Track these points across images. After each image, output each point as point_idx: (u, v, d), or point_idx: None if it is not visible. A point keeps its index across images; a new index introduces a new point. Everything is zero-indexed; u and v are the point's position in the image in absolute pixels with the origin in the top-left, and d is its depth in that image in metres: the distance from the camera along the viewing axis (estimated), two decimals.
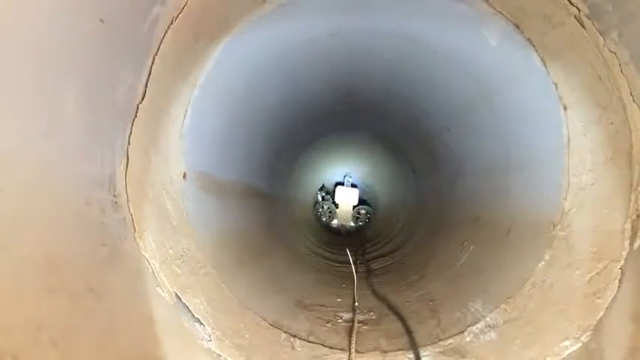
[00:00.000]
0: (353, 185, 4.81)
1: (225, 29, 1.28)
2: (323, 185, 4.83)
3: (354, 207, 4.76)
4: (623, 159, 1.07)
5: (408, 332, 1.45)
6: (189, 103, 1.30)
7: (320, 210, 4.71)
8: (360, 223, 4.77)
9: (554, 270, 1.27)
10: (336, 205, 4.71)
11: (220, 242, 1.64)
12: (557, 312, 1.21)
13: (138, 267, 1.02)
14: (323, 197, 4.76)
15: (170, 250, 1.19)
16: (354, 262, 2.72)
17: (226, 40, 1.31)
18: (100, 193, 0.89)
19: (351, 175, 4.79)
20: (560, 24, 1.12)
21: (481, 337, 1.36)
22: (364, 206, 4.83)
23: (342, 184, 4.76)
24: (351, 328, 1.50)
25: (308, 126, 2.96)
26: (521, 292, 1.35)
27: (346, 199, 4.70)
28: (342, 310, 1.73)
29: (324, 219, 4.72)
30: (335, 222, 4.73)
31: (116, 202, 0.95)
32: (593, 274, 1.14)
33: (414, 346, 1.35)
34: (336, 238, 4.42)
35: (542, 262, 1.31)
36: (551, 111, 1.25)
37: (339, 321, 1.61)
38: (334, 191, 4.73)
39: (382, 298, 1.84)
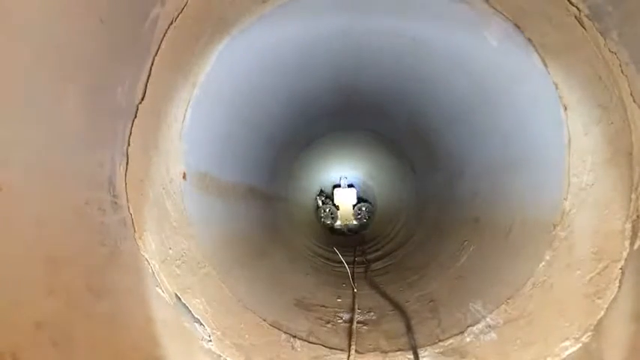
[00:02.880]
0: (350, 185, 4.94)
1: (225, 29, 1.28)
2: (321, 190, 4.94)
3: (354, 206, 4.88)
4: (624, 159, 1.07)
5: (409, 329, 1.45)
6: (189, 103, 1.30)
7: (322, 214, 4.85)
8: (364, 220, 4.91)
9: (554, 270, 1.27)
10: (337, 207, 4.85)
11: (220, 242, 1.64)
12: (557, 312, 1.21)
13: (138, 267, 1.02)
14: (323, 201, 4.88)
15: (170, 251, 1.19)
16: (353, 260, 2.72)
17: (226, 40, 1.31)
18: (99, 193, 0.89)
19: (347, 177, 4.92)
20: (561, 24, 1.12)
21: (481, 337, 1.36)
22: (364, 203, 4.95)
23: (339, 186, 4.90)
24: (351, 329, 1.50)
25: (308, 126, 2.96)
26: (522, 292, 1.35)
27: (345, 200, 4.85)
28: (342, 310, 1.73)
29: (327, 222, 4.85)
30: (338, 223, 4.85)
31: (116, 203, 0.95)
32: (594, 274, 1.14)
33: (414, 347, 1.35)
34: (336, 239, 4.43)
35: (543, 263, 1.31)
36: (551, 111, 1.25)
37: (339, 321, 1.61)
38: (333, 194, 4.86)
39: (383, 294, 1.84)
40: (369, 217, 4.94)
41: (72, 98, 0.77)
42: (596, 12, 1.04)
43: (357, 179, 5.10)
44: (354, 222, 4.90)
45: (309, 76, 2.08)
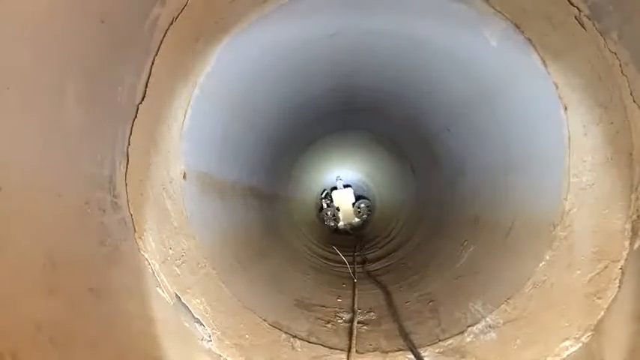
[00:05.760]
0: (346, 185, 5.02)
1: (225, 29, 1.28)
2: (325, 192, 4.99)
3: (353, 204, 4.96)
4: (624, 159, 1.07)
5: (405, 335, 1.45)
6: (189, 103, 1.30)
7: (325, 217, 4.92)
8: (364, 217, 4.98)
9: (554, 270, 1.27)
10: (338, 209, 4.92)
11: (220, 242, 1.64)
12: (557, 312, 1.21)
13: (138, 267, 1.02)
14: (328, 204, 4.95)
15: (170, 251, 1.19)
16: (353, 260, 2.72)
17: (226, 40, 1.31)
18: (100, 193, 0.89)
19: (341, 177, 5.02)
20: (561, 24, 1.12)
21: (481, 337, 1.36)
22: (363, 200, 5.02)
23: (336, 188, 4.98)
24: (351, 329, 1.50)
25: (308, 126, 2.96)
26: (522, 292, 1.35)
27: (344, 200, 4.93)
28: (342, 310, 1.73)
29: (331, 224, 4.93)
30: (341, 224, 4.93)
31: (116, 203, 0.95)
32: (594, 274, 1.14)
33: (413, 347, 1.35)
34: (337, 238, 4.44)
35: (543, 263, 1.31)
36: (551, 111, 1.25)
37: (339, 321, 1.61)
38: (331, 196, 4.94)
39: (384, 290, 1.83)
40: (369, 213, 5.00)
41: (72, 98, 0.77)
42: (596, 12, 1.04)
43: (357, 179, 5.13)
44: (356, 219, 4.97)
45: (309, 76, 2.08)
